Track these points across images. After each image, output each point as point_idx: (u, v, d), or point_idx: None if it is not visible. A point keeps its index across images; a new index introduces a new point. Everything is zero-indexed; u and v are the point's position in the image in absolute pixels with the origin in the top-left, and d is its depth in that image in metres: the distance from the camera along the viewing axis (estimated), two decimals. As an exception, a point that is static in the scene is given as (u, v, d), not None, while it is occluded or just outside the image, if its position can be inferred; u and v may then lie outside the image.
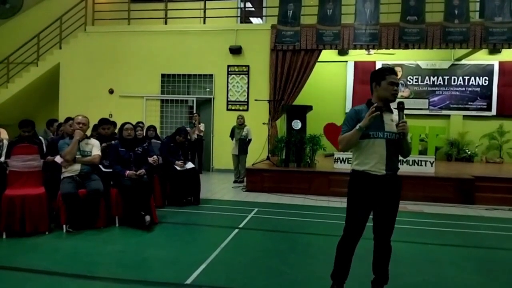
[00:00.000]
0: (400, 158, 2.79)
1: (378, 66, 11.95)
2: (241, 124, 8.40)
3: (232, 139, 8.49)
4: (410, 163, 7.42)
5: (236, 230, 4.74)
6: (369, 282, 2.86)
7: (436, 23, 9.28)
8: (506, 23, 9.07)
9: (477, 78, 11.69)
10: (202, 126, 9.71)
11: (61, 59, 10.97)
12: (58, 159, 4.66)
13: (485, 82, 11.67)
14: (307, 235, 4.73)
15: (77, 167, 4.63)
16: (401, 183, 2.77)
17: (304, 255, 3.95)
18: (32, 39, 11.09)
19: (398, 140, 2.65)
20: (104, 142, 5.22)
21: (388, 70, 2.70)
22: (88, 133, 5.11)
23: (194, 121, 9.45)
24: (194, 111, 10.25)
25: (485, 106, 11.69)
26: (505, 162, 11.34)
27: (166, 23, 10.93)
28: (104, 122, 5.54)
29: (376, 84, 2.70)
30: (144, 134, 6.58)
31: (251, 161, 8.47)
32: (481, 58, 11.54)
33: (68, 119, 5.56)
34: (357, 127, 2.60)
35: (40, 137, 5.37)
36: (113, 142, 5.24)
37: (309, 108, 8.13)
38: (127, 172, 4.83)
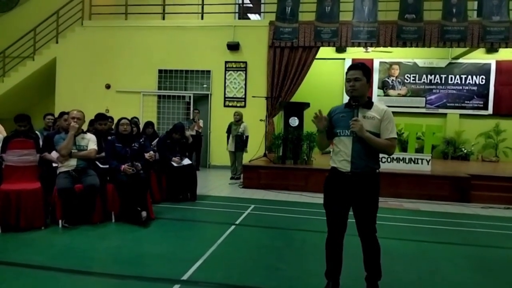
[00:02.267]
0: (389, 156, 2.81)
1: (376, 63, 11.99)
2: (238, 121, 8.38)
3: (229, 136, 8.48)
4: (407, 161, 7.45)
5: (233, 227, 4.75)
6: (363, 278, 2.87)
7: (434, 22, 9.28)
8: (503, 22, 9.09)
9: (474, 77, 11.72)
10: (201, 123, 9.71)
11: (58, 53, 10.90)
12: (54, 154, 4.64)
13: (482, 81, 11.69)
14: (303, 232, 4.74)
15: (73, 162, 4.61)
16: (377, 181, 2.69)
17: (300, 251, 3.96)
18: (28, 32, 10.99)
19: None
20: (101, 137, 5.20)
21: (350, 67, 2.71)
22: (85, 128, 5.09)
23: (194, 117, 9.45)
24: (191, 107, 10.23)
25: (482, 105, 11.73)
26: (501, 160, 11.39)
27: (163, 18, 10.89)
28: (100, 117, 5.51)
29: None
30: (141, 130, 6.55)
31: (248, 158, 8.46)
32: (478, 57, 11.55)
33: (63, 113, 5.53)
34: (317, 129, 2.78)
35: (37, 132, 5.34)
36: (109, 137, 5.22)
37: (307, 105, 8.12)
38: (123, 166, 4.82)
